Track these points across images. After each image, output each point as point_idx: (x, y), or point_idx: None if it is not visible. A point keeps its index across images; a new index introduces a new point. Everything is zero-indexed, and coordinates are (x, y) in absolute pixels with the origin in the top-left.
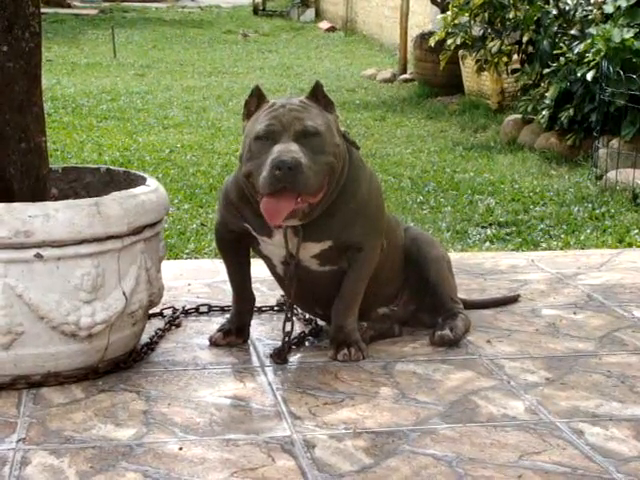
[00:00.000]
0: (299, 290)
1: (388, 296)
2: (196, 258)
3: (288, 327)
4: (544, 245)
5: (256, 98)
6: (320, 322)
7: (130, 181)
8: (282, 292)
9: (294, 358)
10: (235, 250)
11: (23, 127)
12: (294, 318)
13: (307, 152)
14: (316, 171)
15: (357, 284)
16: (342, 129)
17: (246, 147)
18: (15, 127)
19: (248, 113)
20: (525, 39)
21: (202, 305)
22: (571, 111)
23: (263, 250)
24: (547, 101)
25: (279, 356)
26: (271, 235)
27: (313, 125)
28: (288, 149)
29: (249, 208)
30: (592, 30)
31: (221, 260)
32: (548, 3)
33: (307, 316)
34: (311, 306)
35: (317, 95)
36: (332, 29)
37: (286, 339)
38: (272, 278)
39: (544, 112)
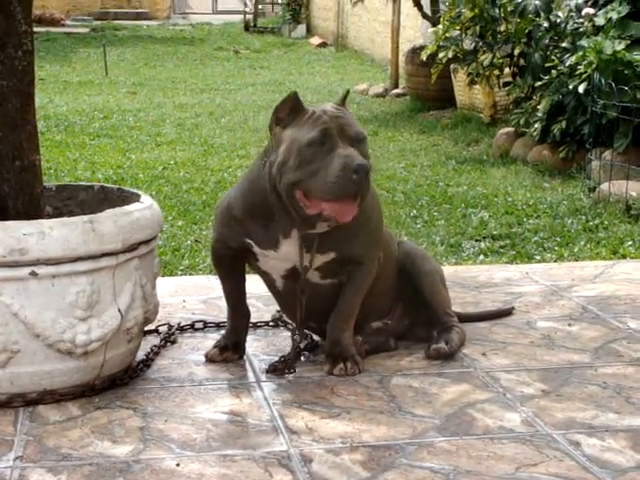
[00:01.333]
0: (295, 303)
1: (382, 310)
2: (191, 274)
3: (298, 340)
4: (538, 257)
5: (290, 104)
6: (315, 337)
7: (124, 198)
8: (278, 307)
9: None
10: (231, 267)
11: (17, 145)
12: (289, 333)
13: None
14: None
15: (355, 298)
16: None
17: (293, 154)
18: (9, 145)
19: (278, 120)
20: (517, 52)
21: (197, 321)
22: (563, 123)
23: (262, 266)
24: (539, 114)
25: (286, 366)
26: (277, 247)
27: (361, 131)
28: (355, 154)
29: (256, 223)
30: (583, 42)
31: (216, 276)
32: (539, 16)
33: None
34: (306, 319)
35: (344, 101)
36: (323, 45)
37: (297, 349)
38: (268, 294)
39: (536, 125)
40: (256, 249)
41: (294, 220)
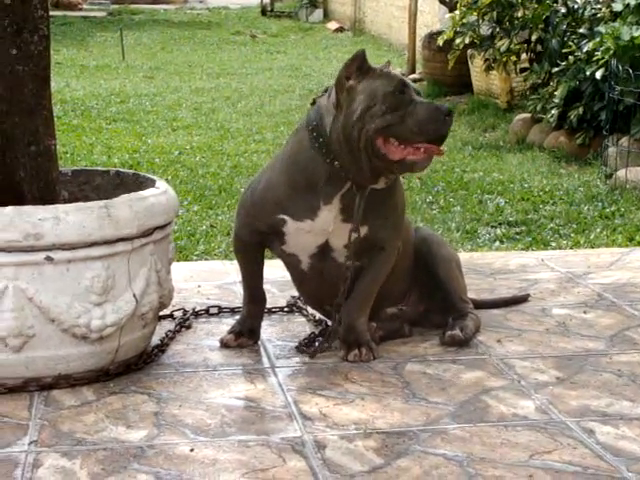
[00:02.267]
0: (315, 285)
1: (397, 296)
2: (206, 260)
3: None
4: (554, 244)
5: (359, 61)
6: (330, 322)
7: (139, 183)
8: (293, 293)
9: (304, 359)
10: (254, 252)
11: (33, 130)
12: (304, 319)
13: None
14: None
15: (373, 284)
16: None
17: (379, 101)
18: (25, 130)
19: (348, 76)
20: (534, 38)
21: (212, 306)
22: (580, 110)
23: (289, 247)
24: (556, 100)
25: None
26: (315, 216)
27: (420, 90)
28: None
29: (295, 194)
30: (601, 28)
31: (231, 262)
32: (557, 2)
33: (317, 317)
34: (322, 303)
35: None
36: (340, 29)
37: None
38: (283, 279)
39: (553, 111)
40: (289, 225)
41: (361, 172)
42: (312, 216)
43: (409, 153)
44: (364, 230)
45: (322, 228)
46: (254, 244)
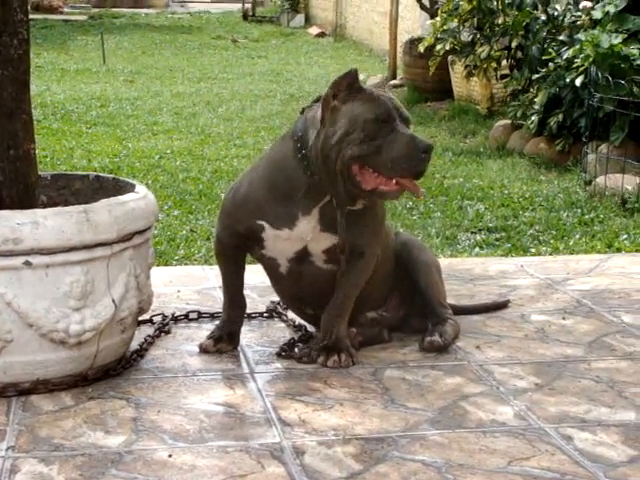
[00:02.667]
0: (295, 288)
1: (377, 300)
2: (186, 264)
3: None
4: (533, 250)
5: (349, 80)
6: (310, 328)
7: (119, 188)
8: (274, 298)
9: (283, 364)
10: (235, 257)
11: (12, 134)
12: (283, 325)
13: None
14: None
15: (352, 290)
16: None
17: (358, 128)
18: (4, 134)
19: (335, 94)
20: (514, 45)
21: (192, 312)
22: (560, 116)
23: (268, 252)
24: (536, 106)
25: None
26: (293, 225)
27: (409, 115)
28: (419, 135)
29: (274, 201)
30: (581, 36)
31: (211, 267)
32: (537, 9)
33: (297, 322)
34: (303, 306)
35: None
36: (322, 35)
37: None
38: (262, 285)
39: (533, 117)
40: (267, 231)
41: (338, 194)
42: (290, 225)
43: (382, 183)
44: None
45: (300, 237)
46: (234, 247)
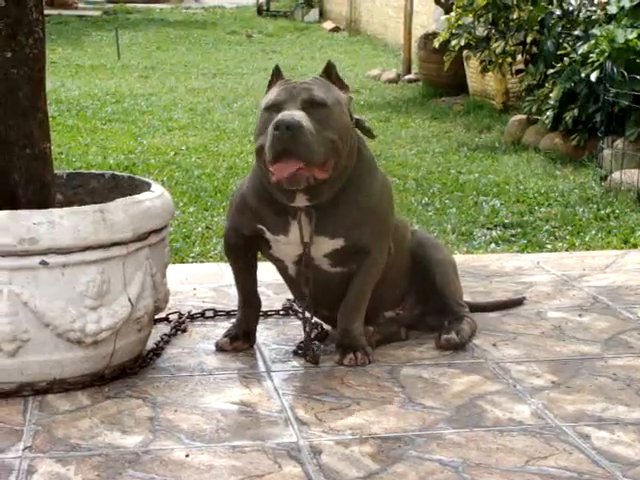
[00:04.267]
0: (307, 290)
1: (394, 300)
2: (201, 262)
3: (308, 327)
4: (549, 246)
5: (275, 76)
6: (326, 326)
7: (135, 187)
8: (290, 296)
9: (300, 363)
10: (244, 255)
11: (27, 133)
12: (300, 323)
13: (313, 121)
14: (318, 141)
15: (364, 288)
16: (357, 116)
17: (258, 120)
18: (19, 133)
19: (267, 92)
20: (529, 40)
21: (208, 310)
22: (575, 111)
23: (275, 253)
24: (551, 101)
25: (311, 356)
26: (287, 232)
27: (321, 95)
28: (290, 113)
29: (267, 207)
30: (596, 31)
31: (227, 264)
32: (552, 4)
33: (313, 320)
34: (318, 307)
35: (329, 74)
36: (336, 29)
37: (307, 338)
38: (278, 282)
39: (548, 112)
40: (268, 235)
41: (274, 191)
42: (285, 232)
43: (272, 173)
44: (340, 242)
45: (297, 242)
46: (242, 246)
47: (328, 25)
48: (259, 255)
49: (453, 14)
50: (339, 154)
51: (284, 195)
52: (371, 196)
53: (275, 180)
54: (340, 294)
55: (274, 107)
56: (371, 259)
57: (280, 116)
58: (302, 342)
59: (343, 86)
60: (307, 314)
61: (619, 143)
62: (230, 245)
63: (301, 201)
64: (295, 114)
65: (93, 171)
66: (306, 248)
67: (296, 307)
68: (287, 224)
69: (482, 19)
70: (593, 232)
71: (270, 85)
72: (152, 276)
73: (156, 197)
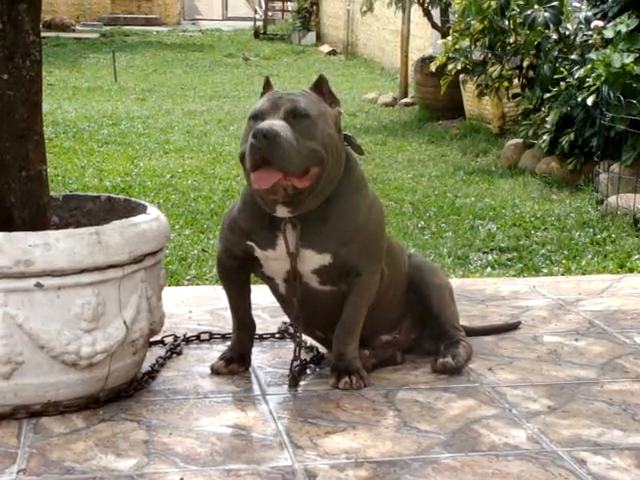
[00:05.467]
0: (299, 310)
1: (390, 323)
2: (197, 285)
3: (297, 341)
4: (545, 270)
5: (265, 88)
6: (322, 349)
7: (131, 209)
8: (285, 319)
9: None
10: (238, 278)
11: (23, 155)
12: (295, 339)
13: (294, 132)
14: (298, 150)
15: (357, 310)
16: (347, 132)
17: (245, 129)
18: (15, 155)
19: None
20: (526, 64)
21: (203, 332)
22: (572, 136)
23: (266, 271)
24: (548, 125)
25: (292, 380)
26: (275, 245)
27: (304, 107)
28: (270, 122)
29: (256, 222)
30: (592, 55)
31: (222, 287)
32: (548, 28)
33: (308, 343)
34: (312, 329)
35: (320, 88)
36: (333, 52)
37: (297, 351)
38: (274, 305)
39: (545, 137)
40: (258, 252)
41: (259, 199)
42: (272, 245)
43: (252, 177)
44: (327, 258)
45: (285, 255)
46: (235, 268)
47: (325, 48)
48: (254, 278)
49: (450, 38)
50: (323, 164)
51: (265, 204)
52: (358, 213)
53: (254, 188)
54: (332, 314)
55: (258, 116)
56: (362, 281)
57: (260, 125)
58: (298, 365)
59: (333, 100)
60: (319, 334)
61: (615, 167)
62: (223, 268)
63: (282, 212)
64: (275, 123)
65: (89, 193)
66: (292, 261)
67: (291, 330)
68: (274, 237)
69: (479, 43)
70: (589, 256)
71: (262, 96)
72: (148, 299)
73: (152, 220)
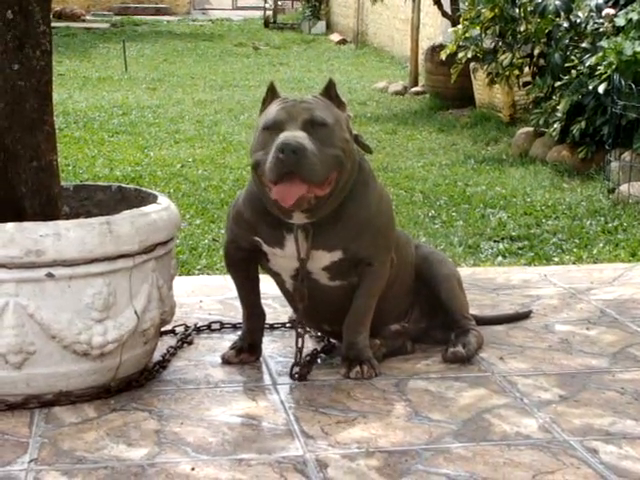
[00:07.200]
0: (307, 306)
1: (399, 313)
2: (208, 274)
3: (300, 343)
4: (556, 259)
5: (270, 93)
6: (331, 340)
7: (141, 199)
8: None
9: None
10: (245, 268)
11: (34, 146)
12: (306, 336)
13: (314, 141)
14: (322, 160)
15: (368, 300)
16: (355, 132)
17: (255, 138)
18: (26, 146)
19: (263, 109)
20: (536, 52)
21: (214, 322)
22: (583, 124)
23: (273, 266)
24: (559, 114)
25: (298, 374)
26: (283, 245)
27: (321, 116)
28: (293, 134)
29: (262, 220)
30: (603, 43)
31: (230, 277)
32: (559, 16)
33: (319, 333)
34: (319, 323)
35: (330, 92)
36: (343, 41)
37: (298, 356)
38: None
39: (556, 125)
40: (265, 247)
41: (270, 207)
42: (280, 245)
43: (275, 190)
44: (338, 254)
45: (293, 256)
46: (242, 259)
47: (335, 37)
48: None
49: (460, 26)
50: (343, 168)
51: (281, 213)
52: (368, 207)
53: (275, 200)
54: (341, 308)
55: (274, 127)
56: (373, 271)
57: (283, 138)
58: (308, 355)
59: (340, 104)
60: (325, 327)
61: (627, 155)
62: (230, 258)
63: (299, 218)
64: (298, 136)
65: (100, 183)
66: (302, 264)
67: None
68: (283, 238)
69: (489, 31)
70: (600, 245)
71: (265, 102)
72: (158, 288)
73: (162, 209)
